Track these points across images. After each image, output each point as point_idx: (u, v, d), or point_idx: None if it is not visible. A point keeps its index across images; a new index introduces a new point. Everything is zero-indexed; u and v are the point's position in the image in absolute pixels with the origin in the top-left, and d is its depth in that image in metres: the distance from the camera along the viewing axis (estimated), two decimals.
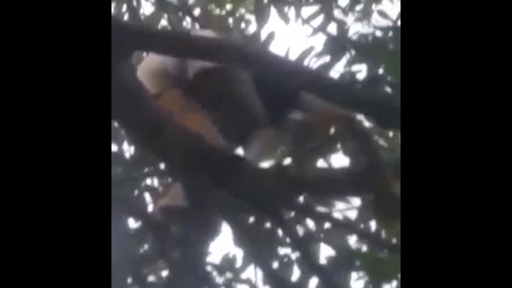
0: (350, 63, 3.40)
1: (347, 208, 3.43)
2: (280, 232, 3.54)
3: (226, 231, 3.18)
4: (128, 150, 3.44)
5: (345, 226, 3.44)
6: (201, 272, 3.09)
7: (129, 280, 3.32)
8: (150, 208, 3.22)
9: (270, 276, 3.38)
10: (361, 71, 3.40)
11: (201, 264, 3.10)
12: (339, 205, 3.36)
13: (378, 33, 3.53)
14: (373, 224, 3.53)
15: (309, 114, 2.95)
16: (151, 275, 3.50)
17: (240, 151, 3.08)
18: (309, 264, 3.26)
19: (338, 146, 3.31)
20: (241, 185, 2.63)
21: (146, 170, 3.30)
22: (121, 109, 2.42)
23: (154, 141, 2.49)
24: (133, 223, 3.15)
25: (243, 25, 4.26)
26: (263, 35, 3.55)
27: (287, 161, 3.06)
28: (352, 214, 3.49)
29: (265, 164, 2.98)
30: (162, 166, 3.22)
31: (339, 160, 3.30)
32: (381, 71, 3.38)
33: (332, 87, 2.51)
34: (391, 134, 3.45)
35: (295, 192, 2.85)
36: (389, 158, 2.76)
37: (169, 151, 2.52)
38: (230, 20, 4.25)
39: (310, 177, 2.75)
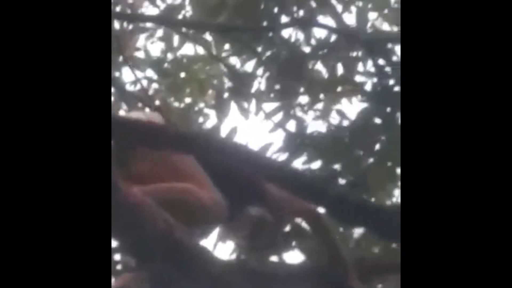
0: (309, 159, 3.45)
1: None
2: None
3: None
4: None
5: None
6: None
7: None
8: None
9: None
10: (319, 168, 3.46)
11: None
12: None
13: (336, 132, 3.60)
14: None
15: (269, 207, 2.93)
16: None
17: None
18: None
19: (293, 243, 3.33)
20: (204, 276, 2.62)
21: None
22: None
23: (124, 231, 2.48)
24: None
25: (201, 119, 4.30)
26: (223, 130, 3.59)
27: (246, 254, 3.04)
28: None
29: (226, 257, 2.95)
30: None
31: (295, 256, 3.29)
32: (337, 167, 3.44)
33: (294, 180, 2.51)
34: (354, 232, 3.43)
35: (255, 286, 2.82)
36: (350, 256, 2.75)
37: (136, 240, 2.51)
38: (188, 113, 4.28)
39: (270, 272, 2.74)
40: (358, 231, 3.37)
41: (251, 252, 3.07)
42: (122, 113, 4.23)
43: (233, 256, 3.16)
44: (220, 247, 3.17)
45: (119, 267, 3.24)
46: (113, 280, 2.97)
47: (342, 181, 3.41)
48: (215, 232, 3.16)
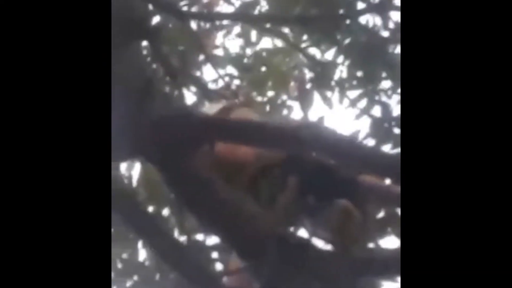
0: (397, 144, 3.44)
1: None
2: None
3: None
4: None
5: None
6: None
7: None
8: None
9: None
10: None
11: None
12: None
13: None
14: None
15: (360, 197, 2.94)
16: None
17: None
18: None
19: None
20: (310, 269, 2.67)
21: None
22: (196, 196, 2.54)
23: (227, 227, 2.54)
24: None
25: (285, 111, 4.32)
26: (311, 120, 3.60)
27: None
28: None
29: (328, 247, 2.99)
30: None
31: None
32: None
33: (385, 165, 2.51)
34: None
35: (358, 274, 2.84)
36: None
37: (241, 236, 2.56)
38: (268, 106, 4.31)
39: (369, 258, 2.78)
40: None
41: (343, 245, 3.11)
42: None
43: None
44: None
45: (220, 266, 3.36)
46: (224, 279, 3.06)
47: None
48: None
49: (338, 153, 2.49)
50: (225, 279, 2.94)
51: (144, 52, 3.08)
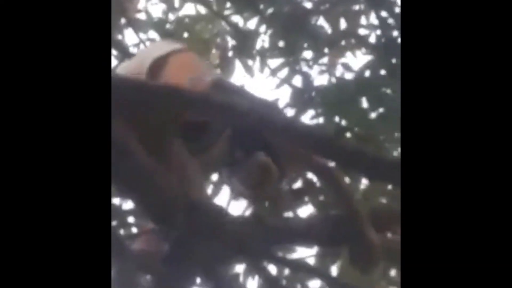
0: (317, 114, 3.48)
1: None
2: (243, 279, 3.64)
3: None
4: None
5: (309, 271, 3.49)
6: None
7: None
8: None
9: None
10: (326, 122, 3.49)
11: None
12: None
13: (342, 85, 3.62)
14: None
15: (278, 159, 2.96)
16: None
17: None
18: None
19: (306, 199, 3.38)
20: (220, 234, 2.69)
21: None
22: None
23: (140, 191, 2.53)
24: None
25: None
26: None
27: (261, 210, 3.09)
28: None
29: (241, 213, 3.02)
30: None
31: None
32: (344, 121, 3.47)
33: (303, 135, 2.54)
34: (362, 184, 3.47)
35: (271, 241, 2.89)
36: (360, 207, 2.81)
37: (154, 200, 2.56)
38: None
39: (285, 226, 2.80)
40: (365, 183, 3.43)
41: (261, 203, 3.14)
42: None
43: (248, 213, 3.27)
44: (233, 204, 3.28)
45: (134, 230, 3.33)
46: (131, 243, 3.06)
47: (349, 135, 3.45)
48: (227, 189, 3.22)
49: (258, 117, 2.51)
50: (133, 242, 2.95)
51: None
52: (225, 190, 3.44)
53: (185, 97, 2.46)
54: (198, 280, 3.06)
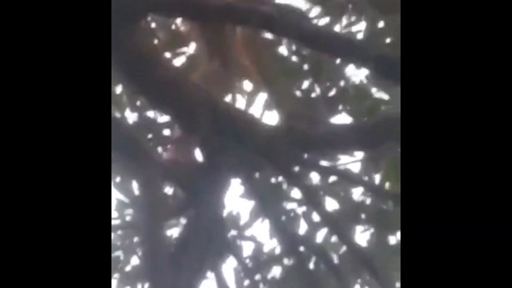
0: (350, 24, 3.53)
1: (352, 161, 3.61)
2: (286, 187, 3.77)
3: (233, 187, 3.36)
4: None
5: (349, 179, 3.61)
6: (213, 228, 3.19)
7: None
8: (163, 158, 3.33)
9: (277, 229, 3.59)
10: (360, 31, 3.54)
11: (211, 221, 3.20)
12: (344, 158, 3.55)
13: None
14: (377, 177, 3.68)
15: None
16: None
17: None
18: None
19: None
20: (253, 143, 2.81)
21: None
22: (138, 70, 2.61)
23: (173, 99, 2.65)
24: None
25: None
26: None
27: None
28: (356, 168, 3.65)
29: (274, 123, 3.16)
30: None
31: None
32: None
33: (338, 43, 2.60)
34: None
35: (303, 149, 3.01)
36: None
37: (187, 110, 2.69)
38: None
39: (317, 134, 2.90)
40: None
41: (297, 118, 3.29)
42: None
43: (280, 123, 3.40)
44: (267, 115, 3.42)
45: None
46: (164, 153, 3.22)
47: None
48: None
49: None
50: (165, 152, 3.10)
51: None
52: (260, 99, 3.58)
53: None
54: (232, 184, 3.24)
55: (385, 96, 3.47)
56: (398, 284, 3.60)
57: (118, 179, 3.76)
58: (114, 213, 3.93)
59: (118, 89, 3.68)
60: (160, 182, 3.02)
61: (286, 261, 3.90)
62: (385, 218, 3.71)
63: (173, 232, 3.53)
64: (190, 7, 2.57)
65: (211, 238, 3.14)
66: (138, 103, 3.62)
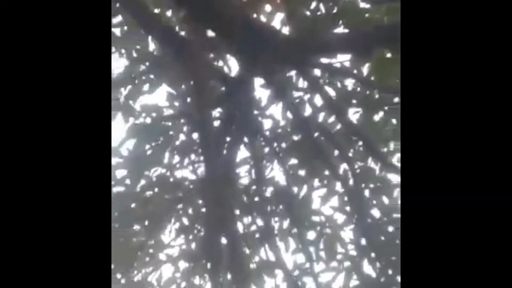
0: None
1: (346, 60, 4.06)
2: (295, 79, 4.30)
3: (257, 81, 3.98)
4: None
5: (343, 73, 4.14)
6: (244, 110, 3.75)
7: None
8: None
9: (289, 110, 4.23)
10: None
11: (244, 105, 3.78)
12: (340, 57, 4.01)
13: None
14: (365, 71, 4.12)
15: None
16: None
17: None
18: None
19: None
20: (274, 48, 3.34)
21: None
22: None
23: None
24: None
25: None
26: None
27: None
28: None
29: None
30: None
31: None
32: None
33: None
34: None
35: (309, 52, 3.56)
36: None
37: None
38: None
39: (320, 41, 3.47)
40: None
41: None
42: None
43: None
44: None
45: None
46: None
47: None
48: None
49: None
50: None
51: None
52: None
53: None
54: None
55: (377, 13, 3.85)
56: (383, 150, 4.24)
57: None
58: (165, 103, 4.35)
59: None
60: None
61: (295, 135, 4.40)
62: (371, 102, 4.23)
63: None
64: None
65: (244, 117, 3.79)
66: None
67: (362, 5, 3.94)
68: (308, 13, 3.88)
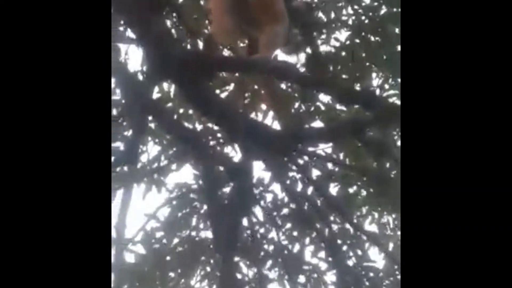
0: None
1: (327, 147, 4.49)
2: (289, 164, 4.65)
3: (258, 165, 4.43)
4: None
5: (325, 158, 4.60)
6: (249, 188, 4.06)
7: None
8: None
9: (285, 187, 4.69)
10: None
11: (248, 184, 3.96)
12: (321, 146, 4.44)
13: None
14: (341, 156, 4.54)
15: None
16: None
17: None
18: None
19: None
20: (268, 140, 3.50)
21: None
22: None
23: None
24: None
25: None
26: None
27: None
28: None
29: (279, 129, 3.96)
30: None
31: None
32: None
33: None
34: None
35: (297, 142, 3.83)
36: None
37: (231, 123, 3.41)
38: None
39: (305, 134, 3.64)
40: None
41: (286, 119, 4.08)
42: None
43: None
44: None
45: None
46: None
47: None
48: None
49: None
50: None
51: None
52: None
53: None
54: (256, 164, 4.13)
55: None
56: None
57: None
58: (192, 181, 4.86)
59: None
60: None
61: (291, 205, 4.85)
62: (349, 180, 4.73)
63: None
64: None
65: (248, 193, 4.08)
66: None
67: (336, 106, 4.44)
68: (292, 110, 4.39)
